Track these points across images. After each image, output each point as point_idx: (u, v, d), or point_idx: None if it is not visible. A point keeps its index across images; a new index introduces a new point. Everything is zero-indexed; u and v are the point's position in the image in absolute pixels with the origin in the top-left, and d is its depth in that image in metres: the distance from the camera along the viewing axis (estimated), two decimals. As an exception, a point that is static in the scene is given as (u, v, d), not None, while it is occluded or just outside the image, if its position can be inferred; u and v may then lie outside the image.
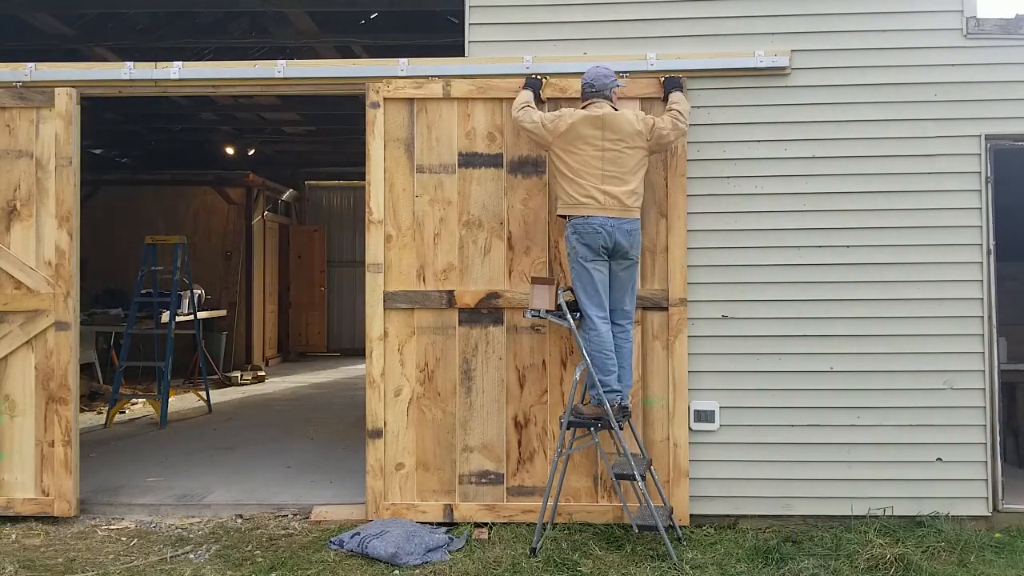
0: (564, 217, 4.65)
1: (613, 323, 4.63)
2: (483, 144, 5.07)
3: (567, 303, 4.61)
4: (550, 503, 4.71)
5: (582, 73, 4.90)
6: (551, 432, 4.96)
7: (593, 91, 4.65)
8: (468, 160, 5.07)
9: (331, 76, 5.24)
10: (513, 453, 4.99)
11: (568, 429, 4.57)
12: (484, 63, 5.06)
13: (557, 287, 4.68)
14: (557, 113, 4.67)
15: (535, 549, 4.43)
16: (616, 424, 4.43)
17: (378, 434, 5.02)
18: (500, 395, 5.01)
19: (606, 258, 4.54)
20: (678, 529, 4.75)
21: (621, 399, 4.59)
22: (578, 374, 4.54)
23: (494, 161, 5.07)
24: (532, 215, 5.03)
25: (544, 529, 4.61)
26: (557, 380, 4.99)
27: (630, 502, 4.75)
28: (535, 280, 4.76)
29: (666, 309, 4.96)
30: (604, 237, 4.47)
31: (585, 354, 4.50)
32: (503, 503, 4.96)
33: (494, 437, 5.00)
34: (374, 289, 5.05)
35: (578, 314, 4.61)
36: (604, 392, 4.45)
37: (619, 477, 4.47)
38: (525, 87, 4.89)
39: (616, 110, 4.63)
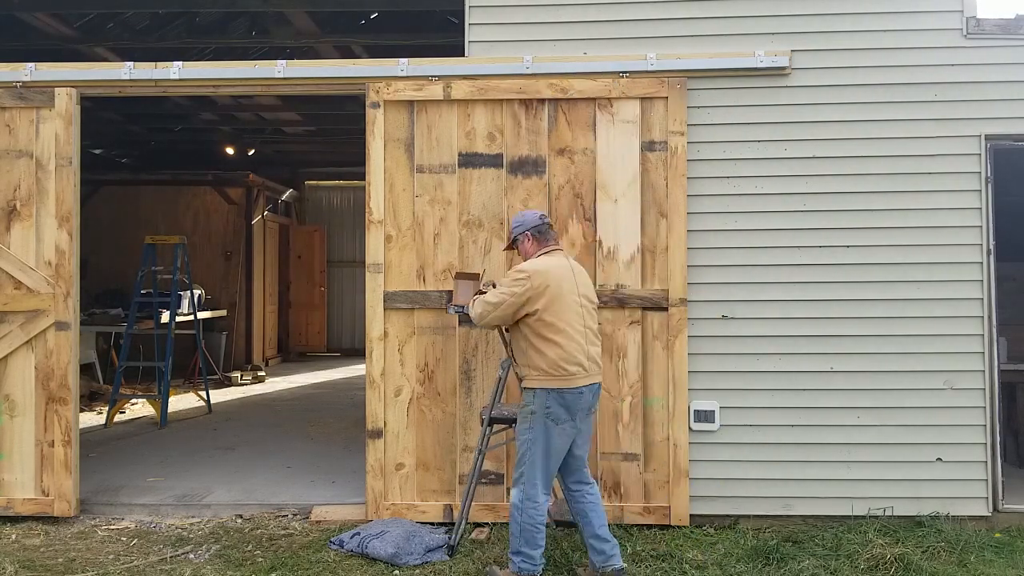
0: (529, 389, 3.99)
1: (580, 483, 4.10)
2: (483, 144, 5.07)
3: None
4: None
5: (583, 73, 4.90)
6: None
7: (549, 231, 4.17)
8: (468, 160, 5.07)
9: (331, 76, 5.24)
10: (513, 453, 4.98)
11: (490, 426, 4.50)
12: (484, 63, 5.06)
13: (481, 283, 4.60)
14: (526, 273, 3.93)
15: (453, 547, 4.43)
16: None
17: (378, 434, 5.02)
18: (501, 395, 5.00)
19: (575, 422, 3.97)
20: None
21: (615, 566, 4.01)
22: (503, 372, 4.48)
23: (494, 161, 5.06)
24: None
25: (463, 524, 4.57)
26: None
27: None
28: (458, 276, 4.73)
29: (666, 309, 4.95)
30: (585, 396, 3.96)
31: (516, 531, 3.93)
32: (503, 503, 4.95)
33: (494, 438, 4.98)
34: (374, 289, 5.05)
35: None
36: (526, 565, 3.92)
37: None
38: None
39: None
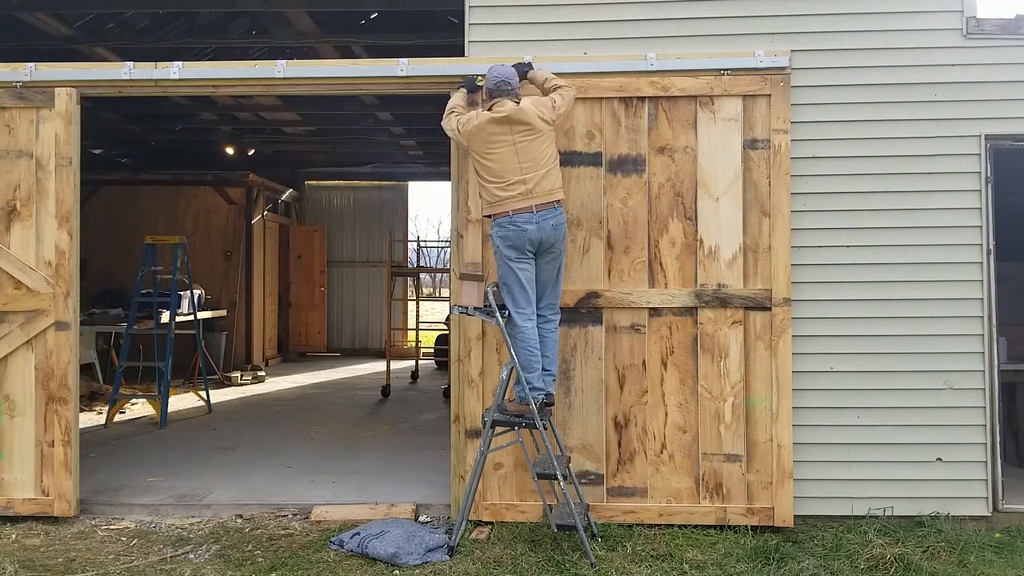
0: (488, 217, 4.63)
1: (538, 315, 4.59)
2: (582, 143, 5.00)
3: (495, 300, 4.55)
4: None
5: (582, 74, 4.91)
6: (652, 432, 4.94)
7: (508, 90, 4.56)
8: (567, 159, 4.96)
9: (330, 76, 5.24)
10: (614, 453, 4.89)
11: (492, 428, 4.52)
12: (484, 63, 5.03)
13: (486, 283, 4.59)
14: (467, 116, 4.62)
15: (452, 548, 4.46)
16: (540, 424, 4.39)
17: (476, 434, 4.90)
18: (599, 395, 4.96)
19: (532, 256, 4.50)
20: (594, 526, 4.72)
21: (545, 396, 4.55)
22: (506, 373, 4.51)
23: (593, 160, 4.99)
24: (632, 214, 4.96)
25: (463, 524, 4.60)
26: (658, 380, 4.94)
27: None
28: (464, 276, 4.70)
29: (769, 309, 4.88)
30: (531, 233, 4.42)
31: (513, 353, 4.46)
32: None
33: (593, 437, 4.93)
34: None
35: (507, 311, 4.57)
36: (528, 390, 4.41)
37: (541, 476, 4.44)
38: (459, 88, 4.92)
39: (517, 103, 4.57)
